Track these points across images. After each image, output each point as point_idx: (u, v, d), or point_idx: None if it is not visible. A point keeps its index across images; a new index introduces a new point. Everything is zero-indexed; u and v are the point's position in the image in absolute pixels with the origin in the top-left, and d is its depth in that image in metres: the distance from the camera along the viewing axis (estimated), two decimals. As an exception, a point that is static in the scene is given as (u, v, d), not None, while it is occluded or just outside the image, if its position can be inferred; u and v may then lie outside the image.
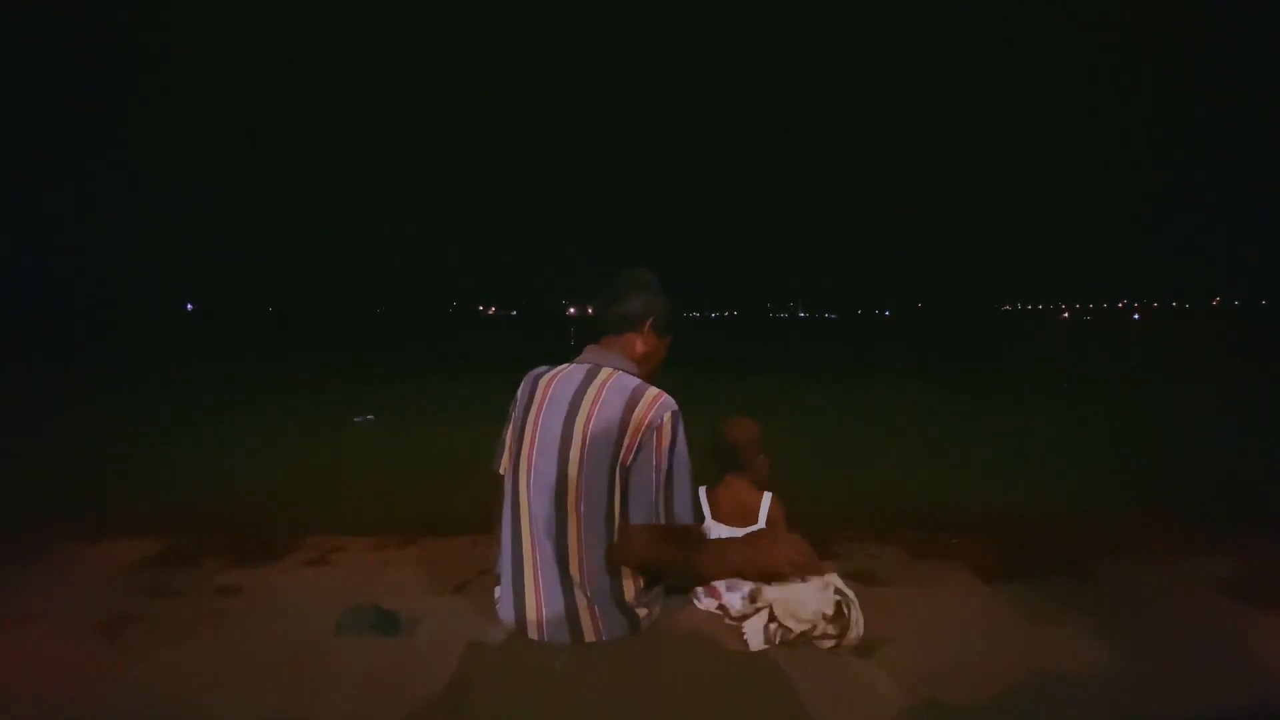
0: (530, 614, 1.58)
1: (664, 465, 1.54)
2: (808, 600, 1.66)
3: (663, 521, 1.56)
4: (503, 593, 1.66)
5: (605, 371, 1.58)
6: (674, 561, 1.65)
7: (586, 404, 1.52)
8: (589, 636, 1.58)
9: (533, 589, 1.57)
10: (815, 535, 3.17)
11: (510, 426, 1.66)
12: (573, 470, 1.51)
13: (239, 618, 2.08)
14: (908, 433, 6.97)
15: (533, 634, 1.60)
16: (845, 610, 1.66)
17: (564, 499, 1.52)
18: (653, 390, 1.56)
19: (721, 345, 25.14)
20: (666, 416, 1.53)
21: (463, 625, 1.83)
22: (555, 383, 1.59)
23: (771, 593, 1.72)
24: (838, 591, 1.67)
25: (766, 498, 2.09)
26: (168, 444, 6.20)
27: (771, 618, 1.69)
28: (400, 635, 1.80)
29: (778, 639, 1.68)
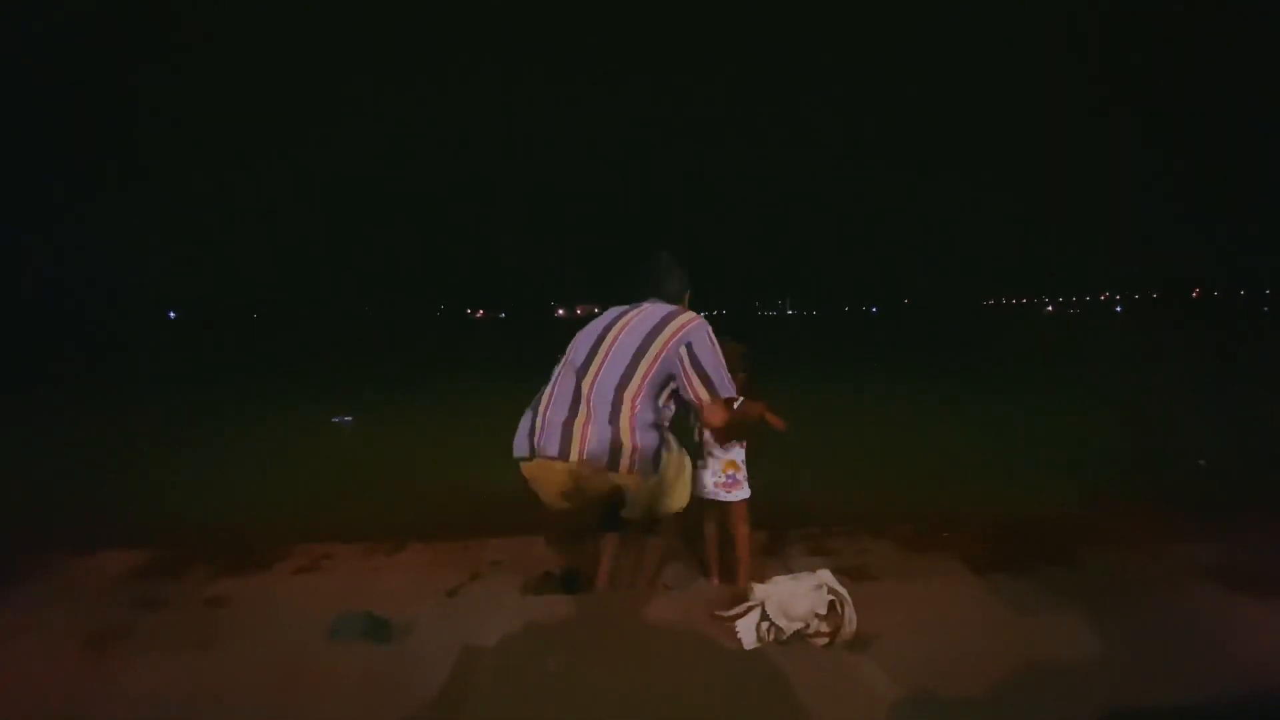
0: (575, 446, 1.92)
1: (708, 353, 2.02)
2: (800, 598, 1.66)
3: (715, 393, 2.00)
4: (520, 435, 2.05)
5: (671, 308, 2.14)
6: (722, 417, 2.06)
7: (657, 318, 2.06)
8: (624, 464, 1.91)
9: (566, 426, 1.94)
10: (808, 530, 3.21)
11: (590, 326, 2.13)
12: (646, 351, 2.00)
13: (229, 628, 2.05)
14: (896, 428, 7.00)
15: (572, 457, 1.92)
16: (838, 608, 1.67)
17: (634, 367, 1.98)
18: (692, 313, 2.13)
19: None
20: (700, 322, 2.08)
21: (456, 631, 1.82)
22: (643, 311, 2.12)
23: (763, 590, 1.72)
24: (830, 590, 1.68)
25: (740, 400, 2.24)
26: (153, 454, 6.11)
27: (764, 616, 1.69)
28: (393, 643, 1.78)
29: (771, 637, 1.69)
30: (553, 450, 1.92)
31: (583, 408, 1.94)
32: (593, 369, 1.99)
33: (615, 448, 1.90)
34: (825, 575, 1.75)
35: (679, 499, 2.14)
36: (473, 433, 7.10)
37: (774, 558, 2.92)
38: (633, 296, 2.23)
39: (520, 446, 2.03)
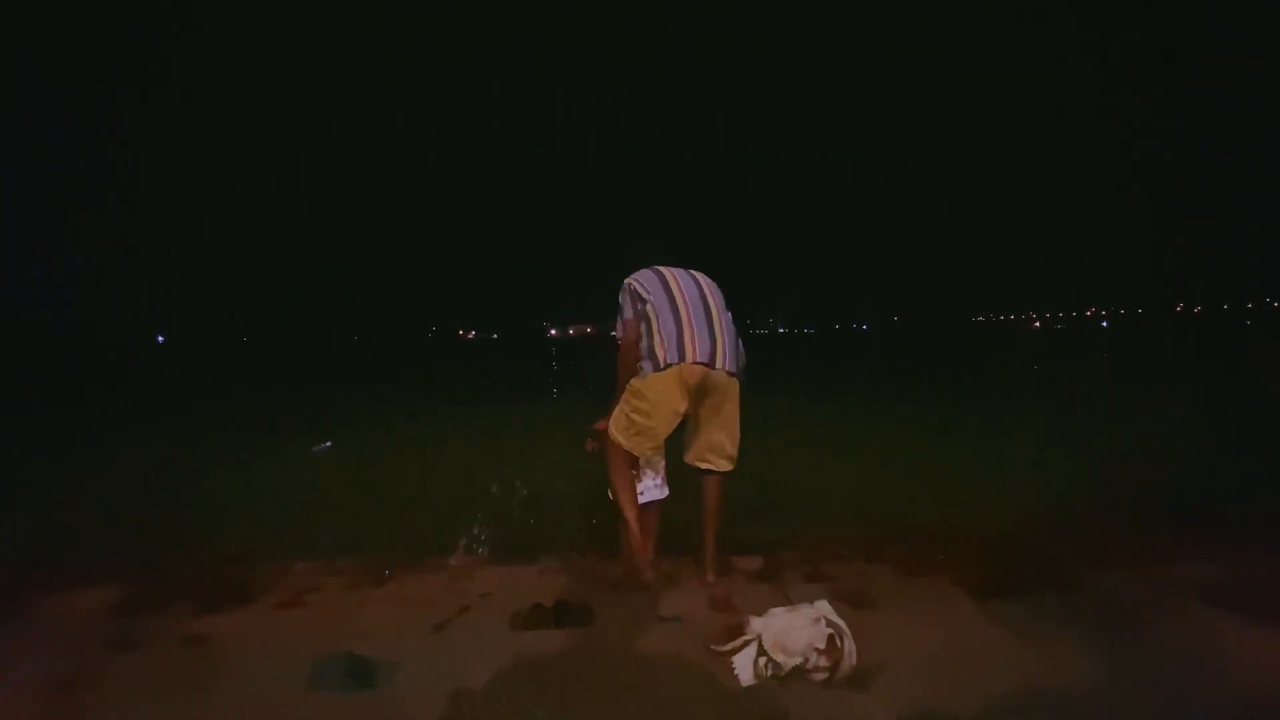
0: (701, 352, 2.41)
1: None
2: (798, 632, 1.61)
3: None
4: (670, 348, 2.41)
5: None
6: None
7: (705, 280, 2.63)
8: (725, 364, 2.43)
9: (700, 340, 2.42)
10: (803, 554, 3.15)
11: (646, 290, 2.50)
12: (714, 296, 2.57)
13: (205, 673, 1.96)
14: (886, 446, 6.97)
15: (702, 359, 2.39)
16: (837, 642, 1.62)
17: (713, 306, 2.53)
18: None
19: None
20: None
21: (443, 671, 1.75)
22: (679, 272, 2.62)
23: (759, 624, 1.67)
24: (829, 623, 1.63)
25: None
26: (131, 483, 5.97)
27: (761, 651, 1.64)
28: (376, 687, 1.71)
29: (769, 673, 1.63)
30: (705, 357, 2.36)
31: (718, 329, 2.43)
32: (710, 305, 2.48)
33: (741, 359, 2.52)
34: (823, 607, 1.69)
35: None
36: (457, 458, 7.03)
37: (769, 583, 2.86)
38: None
39: (672, 355, 2.36)
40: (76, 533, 4.36)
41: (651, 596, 2.67)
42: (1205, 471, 5.11)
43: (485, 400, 13.12)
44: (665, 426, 2.46)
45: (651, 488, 2.65)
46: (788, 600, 2.63)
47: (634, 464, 2.65)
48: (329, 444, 7.64)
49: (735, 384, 2.47)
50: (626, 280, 2.57)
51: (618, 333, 2.58)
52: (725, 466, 2.59)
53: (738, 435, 2.58)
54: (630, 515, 2.53)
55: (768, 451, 6.52)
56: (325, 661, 1.74)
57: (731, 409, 2.50)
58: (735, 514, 4.22)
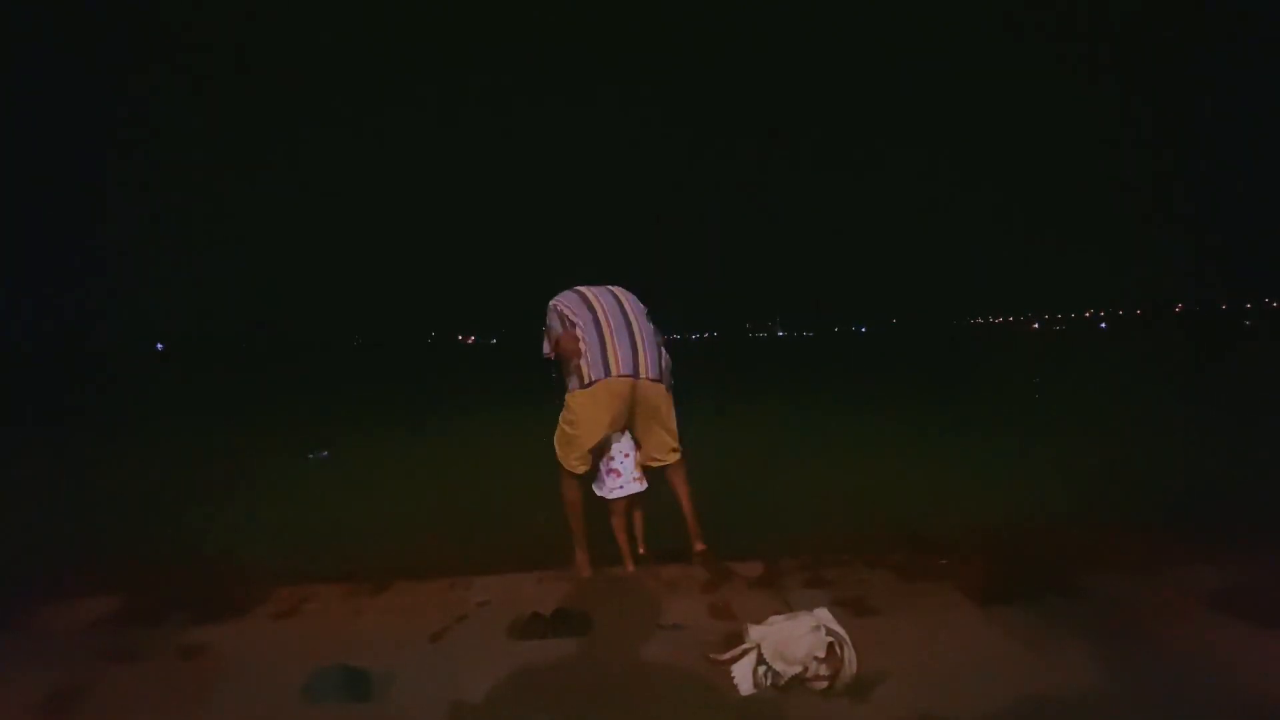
0: (624, 365, 2.63)
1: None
2: (798, 641, 1.60)
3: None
4: (595, 365, 2.62)
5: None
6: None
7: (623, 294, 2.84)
8: (647, 373, 2.66)
9: (621, 354, 2.64)
10: (803, 559, 3.14)
11: (572, 312, 2.70)
12: (633, 309, 2.79)
13: (201, 684, 1.95)
14: (886, 449, 6.95)
15: (625, 371, 2.61)
16: (838, 650, 1.60)
17: (632, 319, 2.75)
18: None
19: (707, 367, 25.09)
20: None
21: (440, 682, 1.73)
22: (600, 290, 2.82)
23: (759, 632, 1.66)
24: (829, 631, 1.61)
25: None
26: (127, 493, 5.93)
27: (760, 660, 1.63)
28: (372, 699, 1.69)
29: (768, 682, 1.62)
30: (628, 369, 2.57)
31: (638, 340, 2.63)
32: (630, 319, 2.69)
33: (665, 366, 2.72)
34: (823, 615, 1.68)
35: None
36: (454, 465, 7.00)
37: (769, 589, 2.84)
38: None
39: (596, 371, 2.57)
40: (73, 543, 4.34)
41: (651, 604, 2.66)
42: (1208, 473, 5.09)
43: (483, 405, 13.09)
44: (590, 438, 2.68)
45: (630, 481, 2.80)
46: (788, 607, 2.62)
47: (605, 454, 2.86)
48: (326, 453, 7.61)
49: (662, 388, 2.70)
50: (551, 303, 2.79)
51: (547, 351, 2.83)
52: (673, 458, 2.83)
53: (675, 429, 2.83)
54: (572, 512, 2.87)
55: (767, 456, 6.56)
56: (320, 673, 1.73)
57: (665, 409, 2.75)
58: (734, 519, 4.23)
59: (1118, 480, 5.05)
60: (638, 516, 2.99)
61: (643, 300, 2.91)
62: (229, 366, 40.33)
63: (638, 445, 2.86)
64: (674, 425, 2.82)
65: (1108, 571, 2.74)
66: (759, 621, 1.78)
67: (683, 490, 2.91)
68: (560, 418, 2.78)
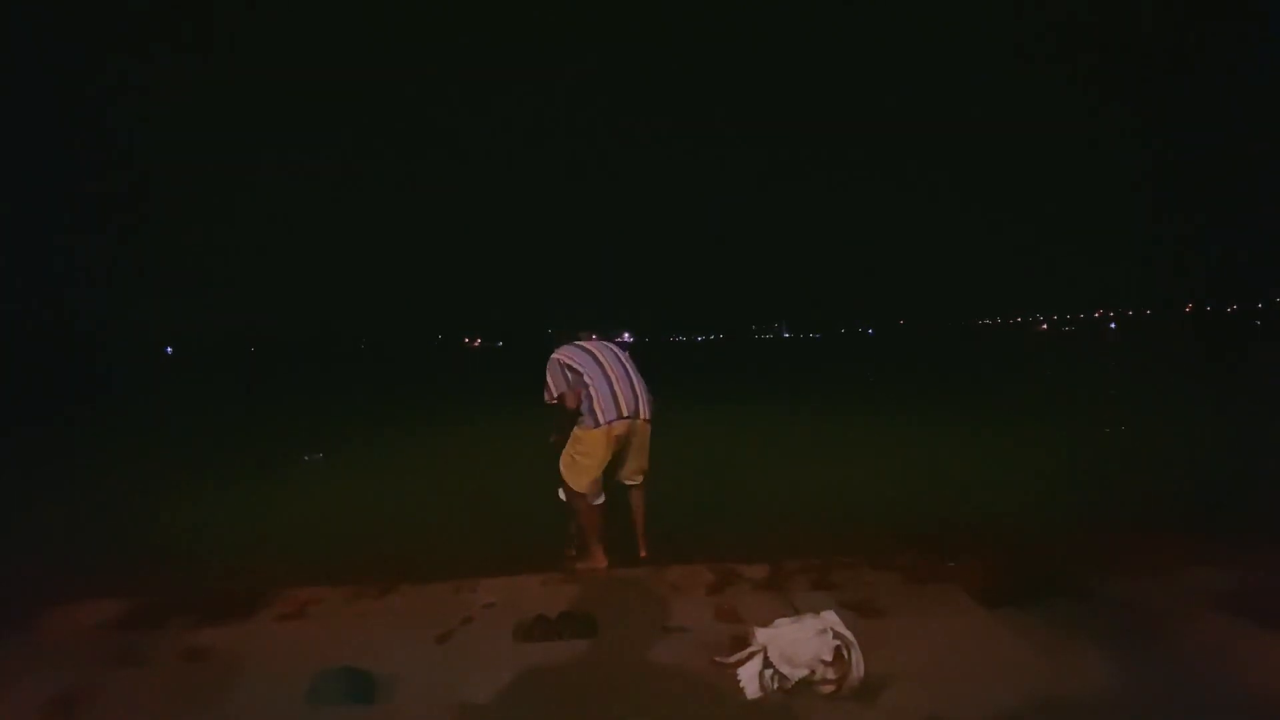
0: (628, 408, 3.17)
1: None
2: (804, 644, 1.58)
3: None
4: (607, 408, 3.13)
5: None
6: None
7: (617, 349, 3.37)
8: (645, 414, 3.23)
9: (625, 399, 3.18)
10: (809, 562, 3.13)
11: (577, 364, 3.19)
12: (627, 361, 3.31)
13: (206, 687, 1.94)
14: (895, 451, 6.89)
15: (629, 413, 3.16)
16: (844, 653, 1.58)
17: (629, 369, 3.28)
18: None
19: (708, 371, 25.01)
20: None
21: (445, 685, 1.73)
22: (600, 345, 3.34)
23: (765, 635, 1.64)
24: (836, 635, 1.60)
25: None
26: (132, 496, 5.92)
27: (767, 663, 1.61)
28: (376, 702, 1.69)
29: (775, 685, 1.60)
30: (630, 411, 3.12)
31: (638, 389, 3.20)
32: (628, 369, 3.24)
33: (656, 408, 3.27)
34: (830, 617, 1.66)
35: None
36: (458, 465, 6.99)
37: (775, 592, 2.83)
38: (586, 325, 3.57)
39: (611, 413, 3.09)
40: (77, 546, 4.35)
41: (656, 606, 2.65)
42: (1215, 474, 5.04)
43: (487, 406, 13.08)
44: (598, 467, 3.20)
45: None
46: (794, 610, 2.60)
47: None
48: (320, 455, 7.60)
49: (649, 426, 3.27)
50: (554, 357, 3.24)
51: (549, 398, 3.24)
52: (640, 479, 3.40)
53: (648, 457, 3.38)
54: (588, 521, 3.26)
55: (771, 460, 6.53)
56: (324, 675, 1.72)
57: (646, 441, 3.30)
58: (738, 520, 4.22)
59: (1125, 481, 5.00)
60: (640, 522, 3.40)
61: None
62: (237, 369, 40.46)
63: (617, 467, 3.35)
64: (649, 454, 3.37)
65: (1115, 573, 2.71)
66: (765, 624, 1.76)
67: (639, 506, 3.43)
68: (570, 449, 3.22)
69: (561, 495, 3.35)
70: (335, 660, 1.96)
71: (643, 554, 3.39)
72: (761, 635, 1.63)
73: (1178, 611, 2.31)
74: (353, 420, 11.95)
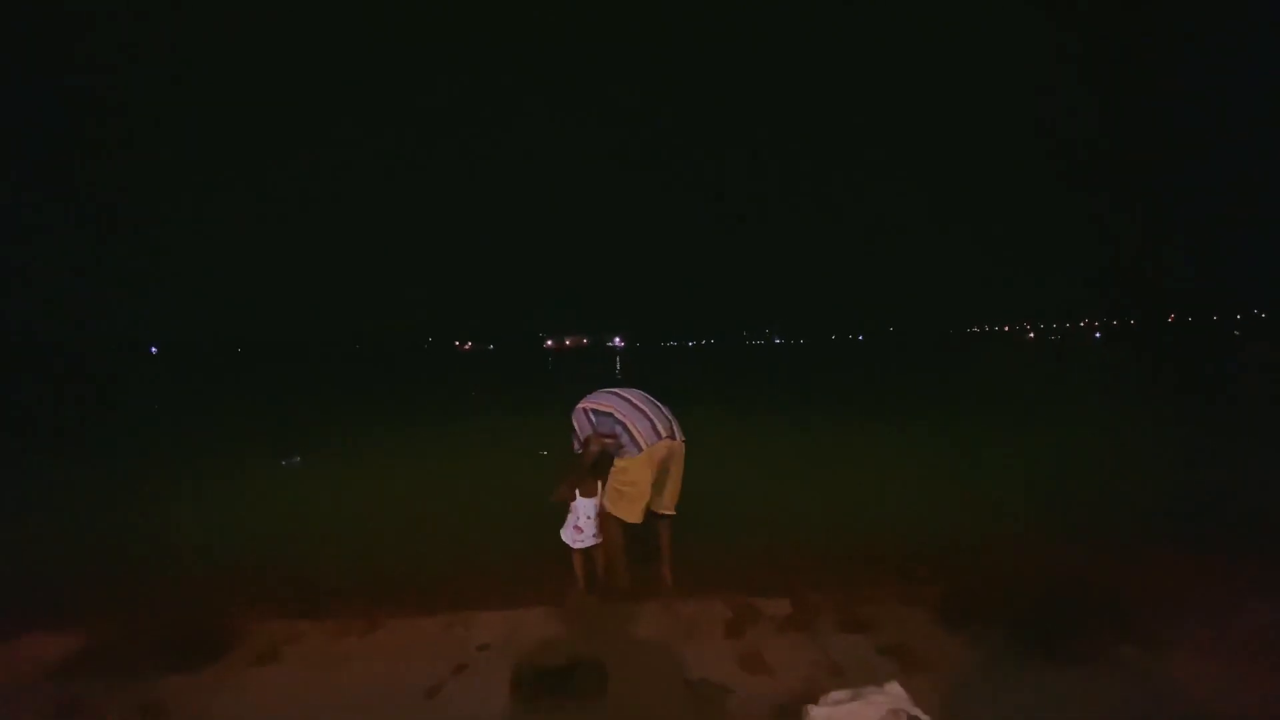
0: (665, 430, 3.20)
1: None
2: (870, 728, 1.31)
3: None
4: (647, 434, 3.15)
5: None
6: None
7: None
8: (680, 435, 3.27)
9: (660, 423, 3.21)
10: (832, 597, 2.87)
11: (604, 406, 3.23)
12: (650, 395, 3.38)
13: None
14: (895, 466, 6.62)
15: (667, 434, 3.18)
16: (919, 739, 1.32)
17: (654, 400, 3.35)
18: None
19: (703, 377, 24.70)
20: None
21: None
22: (621, 387, 3.43)
23: (820, 715, 1.37)
24: (909, 718, 1.33)
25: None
26: (97, 506, 5.44)
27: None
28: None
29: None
30: (667, 433, 3.17)
31: (669, 415, 3.27)
32: (652, 398, 3.34)
33: (683, 433, 3.31)
34: (896, 691, 1.39)
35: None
36: (438, 472, 6.65)
37: (801, 632, 2.58)
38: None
39: (651, 437, 3.12)
40: (20, 567, 3.89)
41: (672, 652, 2.38)
42: (1231, 493, 4.81)
43: (481, 415, 12.74)
44: (644, 495, 3.17)
45: (590, 537, 3.22)
46: (827, 659, 2.35)
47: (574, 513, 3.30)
48: (298, 459, 7.23)
49: (684, 446, 3.32)
50: (579, 406, 3.29)
51: (577, 447, 3.29)
52: (674, 511, 3.36)
53: (682, 481, 3.40)
54: (618, 550, 3.20)
55: (776, 472, 6.26)
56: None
57: (682, 463, 3.32)
58: (751, 535, 3.94)
59: (1164, 505, 4.73)
60: (667, 552, 3.31)
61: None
62: (222, 369, 39.68)
63: (654, 497, 3.33)
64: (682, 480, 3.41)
65: (1182, 615, 2.46)
66: (813, 697, 1.49)
67: (667, 536, 3.38)
68: (615, 483, 3.16)
69: (564, 537, 3.26)
70: (312, 717, 1.68)
71: (668, 583, 3.31)
72: (816, 715, 1.36)
73: (1255, 658, 2.07)
74: (333, 422, 11.52)
